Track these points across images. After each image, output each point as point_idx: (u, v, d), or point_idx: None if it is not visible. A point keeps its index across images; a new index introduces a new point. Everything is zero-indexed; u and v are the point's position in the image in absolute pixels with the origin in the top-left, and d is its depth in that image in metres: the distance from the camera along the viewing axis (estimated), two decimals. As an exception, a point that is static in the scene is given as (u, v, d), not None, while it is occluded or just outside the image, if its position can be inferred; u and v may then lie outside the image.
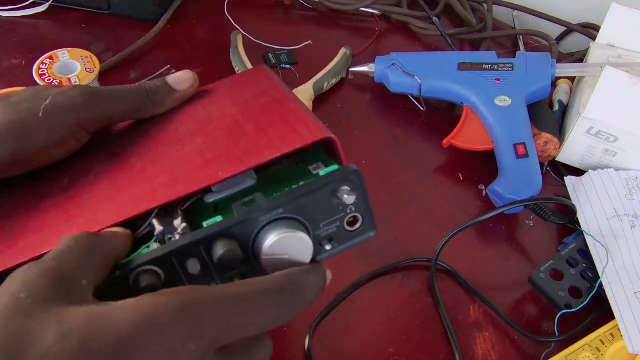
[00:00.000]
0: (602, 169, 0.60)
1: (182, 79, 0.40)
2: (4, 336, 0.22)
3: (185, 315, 0.25)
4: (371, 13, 0.80)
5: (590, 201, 0.57)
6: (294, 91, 0.65)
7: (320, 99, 0.67)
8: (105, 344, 0.23)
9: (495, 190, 0.58)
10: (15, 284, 0.24)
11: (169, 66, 0.68)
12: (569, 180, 0.61)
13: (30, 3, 0.71)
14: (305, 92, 0.65)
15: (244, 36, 0.72)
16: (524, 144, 0.59)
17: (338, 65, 0.69)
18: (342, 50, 0.71)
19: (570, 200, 0.58)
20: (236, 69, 0.68)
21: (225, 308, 0.26)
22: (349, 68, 0.70)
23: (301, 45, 0.73)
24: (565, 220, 0.56)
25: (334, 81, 0.68)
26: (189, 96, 0.41)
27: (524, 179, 0.58)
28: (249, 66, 0.67)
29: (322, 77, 0.67)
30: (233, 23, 0.74)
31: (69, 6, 0.72)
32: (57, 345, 0.22)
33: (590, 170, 0.60)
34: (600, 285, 0.50)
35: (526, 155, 0.59)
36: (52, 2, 0.70)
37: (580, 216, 0.56)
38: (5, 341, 0.22)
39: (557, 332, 0.49)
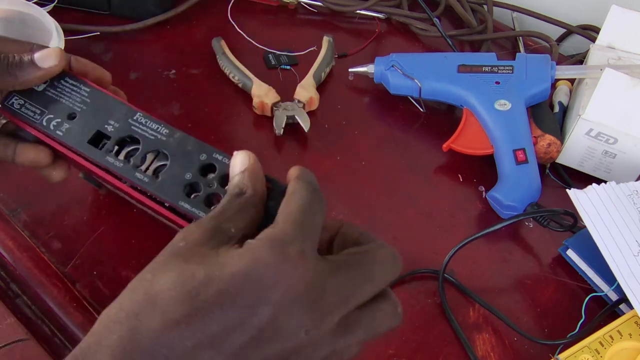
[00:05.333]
0: (605, 182, 0.56)
1: (46, 56, 0.40)
2: (157, 268, 0.29)
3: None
4: (373, 16, 0.80)
5: (610, 233, 0.53)
6: (298, 87, 0.65)
7: (320, 99, 0.67)
8: (222, 280, 0.27)
9: (495, 197, 0.58)
10: (178, 235, 0.30)
11: (173, 71, 0.68)
12: (574, 194, 0.55)
13: (35, 3, 0.71)
14: (308, 85, 0.66)
15: (245, 40, 0.72)
16: (523, 149, 0.59)
17: (327, 54, 0.70)
18: (325, 39, 0.72)
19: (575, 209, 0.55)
20: (230, 75, 0.67)
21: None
22: (336, 55, 0.72)
23: (306, 52, 0.73)
24: (565, 228, 0.56)
25: (327, 69, 0.70)
26: (53, 74, 0.41)
27: (524, 186, 0.58)
28: (244, 69, 0.67)
29: (318, 68, 0.68)
30: (235, 26, 0.74)
31: (70, 7, 0.72)
32: (183, 273, 0.28)
33: (594, 185, 0.55)
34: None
35: (525, 162, 0.59)
36: (57, 2, 0.70)
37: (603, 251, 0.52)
38: (156, 270, 0.29)
39: (556, 334, 0.49)
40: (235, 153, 0.34)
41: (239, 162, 0.33)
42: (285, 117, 0.63)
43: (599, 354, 0.47)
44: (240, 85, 0.67)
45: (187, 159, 0.38)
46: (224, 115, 0.65)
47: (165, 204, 0.37)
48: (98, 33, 0.69)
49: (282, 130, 0.62)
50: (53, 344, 0.47)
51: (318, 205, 0.31)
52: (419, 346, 0.49)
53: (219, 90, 0.68)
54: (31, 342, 0.45)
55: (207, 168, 0.37)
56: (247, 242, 0.29)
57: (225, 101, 0.67)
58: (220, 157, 0.37)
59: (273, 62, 0.71)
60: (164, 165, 0.38)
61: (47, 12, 0.65)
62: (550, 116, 0.63)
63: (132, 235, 0.52)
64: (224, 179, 0.36)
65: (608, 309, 0.52)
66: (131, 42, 0.71)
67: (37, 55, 0.40)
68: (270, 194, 0.34)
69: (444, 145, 0.62)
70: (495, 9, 0.82)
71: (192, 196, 0.36)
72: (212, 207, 0.36)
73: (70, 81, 0.42)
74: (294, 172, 0.33)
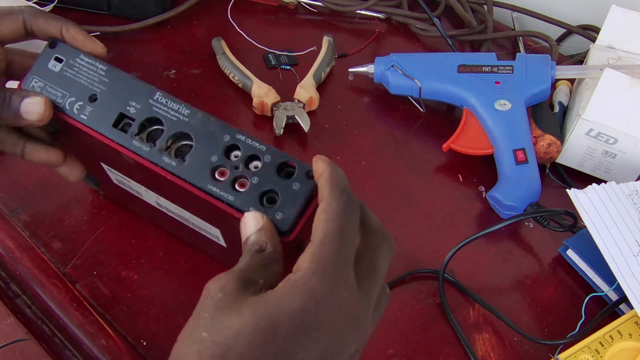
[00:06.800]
0: (605, 182, 0.56)
1: (29, 111, 0.40)
2: (210, 325, 0.29)
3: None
4: (373, 16, 0.80)
5: (610, 233, 0.53)
6: (297, 87, 0.65)
7: (320, 99, 0.67)
8: (283, 318, 0.29)
9: (495, 197, 0.58)
10: (213, 288, 0.30)
11: (173, 71, 0.68)
12: (574, 195, 0.55)
13: (35, 3, 0.71)
14: (308, 85, 0.66)
15: (245, 40, 0.72)
16: (523, 149, 0.59)
17: (327, 54, 0.70)
18: (325, 39, 0.72)
19: (576, 210, 0.55)
20: (230, 75, 0.67)
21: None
22: (336, 55, 0.72)
23: (306, 52, 0.73)
24: (565, 228, 0.56)
25: (327, 69, 0.70)
26: (36, 125, 0.41)
27: (524, 186, 0.58)
28: (244, 69, 0.67)
29: (318, 68, 0.68)
30: (235, 26, 0.74)
31: (70, 7, 0.72)
32: (248, 322, 0.28)
33: (594, 185, 0.55)
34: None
35: (525, 162, 0.59)
36: (57, 2, 0.70)
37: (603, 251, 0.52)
38: (210, 327, 0.29)
39: (556, 334, 0.49)
40: (246, 214, 0.35)
41: (252, 222, 0.34)
42: (285, 117, 0.63)
43: (599, 354, 0.47)
44: (240, 85, 0.67)
45: (211, 141, 0.38)
46: (224, 115, 0.65)
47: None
48: (98, 33, 0.69)
49: (282, 130, 0.62)
50: (53, 344, 0.47)
51: (354, 221, 0.32)
52: (419, 346, 0.49)
53: (219, 90, 0.68)
54: (31, 342, 0.45)
55: (231, 149, 0.38)
56: (294, 275, 0.30)
57: (225, 101, 0.67)
58: (243, 138, 0.37)
59: (273, 62, 0.71)
60: (188, 145, 0.38)
61: (47, 12, 0.65)
62: (550, 116, 0.63)
63: (132, 235, 0.52)
64: (249, 160, 0.37)
65: (608, 309, 0.52)
66: (131, 42, 0.71)
67: (23, 104, 0.40)
68: (295, 176, 0.36)
69: (444, 145, 0.62)
70: (495, 9, 0.83)
71: (219, 179, 0.37)
72: (238, 190, 0.36)
73: (86, 59, 0.41)
74: (322, 167, 0.33)
